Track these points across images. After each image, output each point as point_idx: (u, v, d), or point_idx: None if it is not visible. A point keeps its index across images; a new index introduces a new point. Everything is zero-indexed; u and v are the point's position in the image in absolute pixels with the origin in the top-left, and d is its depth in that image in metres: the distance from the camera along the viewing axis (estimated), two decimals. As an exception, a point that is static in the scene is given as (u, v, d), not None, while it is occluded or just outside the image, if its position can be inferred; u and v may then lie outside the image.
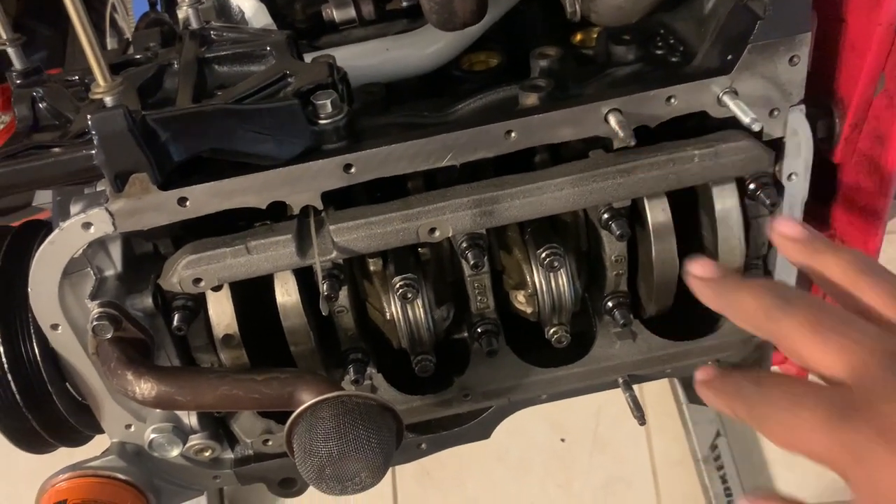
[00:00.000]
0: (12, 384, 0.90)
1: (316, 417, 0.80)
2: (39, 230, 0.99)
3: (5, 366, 0.89)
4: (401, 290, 0.89)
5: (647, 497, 2.26)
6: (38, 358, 0.91)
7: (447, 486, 2.34)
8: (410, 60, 1.08)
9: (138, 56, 0.94)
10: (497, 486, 2.33)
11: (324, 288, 0.85)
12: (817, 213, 1.02)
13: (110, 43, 2.13)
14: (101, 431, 1.00)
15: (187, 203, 0.82)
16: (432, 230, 0.86)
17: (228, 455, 1.05)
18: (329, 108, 0.82)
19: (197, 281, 0.85)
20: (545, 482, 2.33)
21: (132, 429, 0.98)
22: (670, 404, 2.31)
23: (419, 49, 1.08)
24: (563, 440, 2.35)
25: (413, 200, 0.86)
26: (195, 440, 0.99)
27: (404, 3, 1.15)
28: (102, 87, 0.68)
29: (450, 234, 0.87)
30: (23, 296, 0.91)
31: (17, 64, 0.89)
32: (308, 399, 0.82)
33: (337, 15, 0.98)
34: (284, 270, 0.87)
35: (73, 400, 0.96)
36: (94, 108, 0.68)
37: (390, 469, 0.86)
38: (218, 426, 1.01)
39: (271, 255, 0.85)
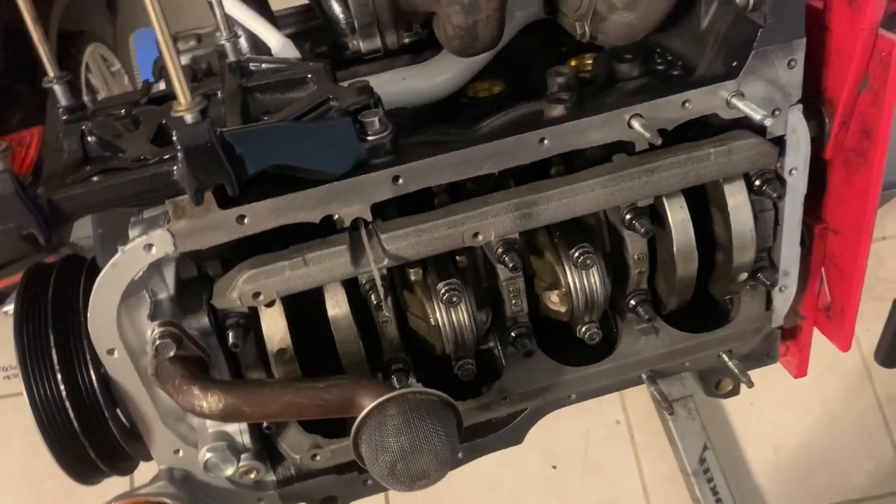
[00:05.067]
0: (70, 411, 0.91)
1: (384, 415, 0.83)
2: (80, 265, 1.01)
3: (63, 393, 0.91)
4: (446, 295, 0.94)
5: (640, 516, 2.31)
6: (95, 384, 0.92)
7: (442, 520, 2.34)
8: (423, 89, 1.15)
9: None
10: (492, 518, 2.34)
11: (380, 294, 0.89)
12: (809, 207, 1.11)
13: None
14: (149, 458, 1.01)
15: (245, 220, 0.86)
16: (476, 234, 0.92)
17: (270, 477, 1.07)
18: (377, 126, 0.88)
19: (256, 295, 0.88)
20: (540, 510, 2.35)
21: (181, 454, 0.99)
22: (656, 423, 2.37)
23: (430, 79, 1.16)
24: (554, 467, 2.39)
25: (457, 207, 0.92)
26: (242, 460, 1.01)
27: (406, 40, 1.22)
28: (184, 104, 0.72)
29: (492, 238, 0.92)
30: (73, 326, 0.94)
31: (63, 100, 0.92)
32: (369, 402, 0.85)
33: (363, 45, 1.05)
34: (338, 280, 0.91)
35: (124, 426, 0.97)
36: (176, 124, 0.72)
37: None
38: (264, 445, 1.03)
39: (327, 265, 0.89)
